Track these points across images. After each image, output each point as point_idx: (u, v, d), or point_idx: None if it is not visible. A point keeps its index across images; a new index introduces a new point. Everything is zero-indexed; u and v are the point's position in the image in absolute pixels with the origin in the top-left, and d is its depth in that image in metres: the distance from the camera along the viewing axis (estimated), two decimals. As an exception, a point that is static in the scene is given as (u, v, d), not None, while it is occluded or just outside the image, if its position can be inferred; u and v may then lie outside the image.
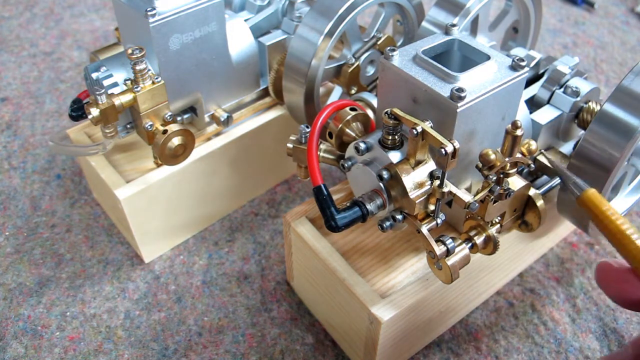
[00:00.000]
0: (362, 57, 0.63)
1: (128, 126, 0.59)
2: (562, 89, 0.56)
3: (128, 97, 0.54)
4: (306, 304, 0.62)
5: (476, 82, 0.44)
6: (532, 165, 0.45)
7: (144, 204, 0.61)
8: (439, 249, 0.44)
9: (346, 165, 0.48)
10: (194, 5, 0.55)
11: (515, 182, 0.47)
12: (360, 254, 0.53)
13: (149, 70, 0.54)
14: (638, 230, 0.33)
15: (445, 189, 0.43)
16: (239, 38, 0.63)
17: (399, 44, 0.70)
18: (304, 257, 0.56)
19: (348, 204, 0.45)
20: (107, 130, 0.56)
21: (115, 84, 0.55)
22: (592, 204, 0.35)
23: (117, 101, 0.53)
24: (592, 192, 0.35)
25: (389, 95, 0.48)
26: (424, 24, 0.60)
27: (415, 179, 0.43)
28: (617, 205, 0.58)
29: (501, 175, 0.44)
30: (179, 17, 0.55)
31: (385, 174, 0.44)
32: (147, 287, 0.64)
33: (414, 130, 0.41)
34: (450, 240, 0.45)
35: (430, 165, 0.44)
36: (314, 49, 0.58)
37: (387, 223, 0.45)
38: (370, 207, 0.44)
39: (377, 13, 0.66)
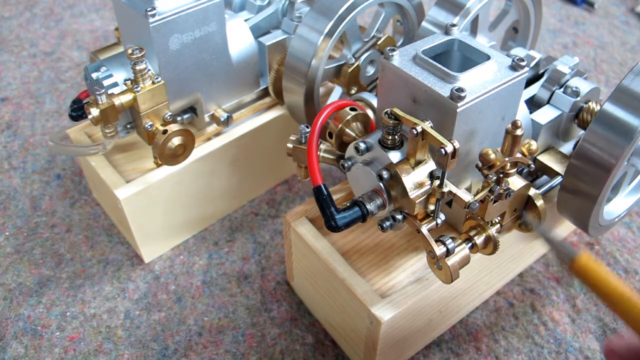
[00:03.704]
0: (362, 57, 0.63)
1: (128, 126, 0.59)
2: (562, 89, 0.56)
3: (128, 97, 0.54)
4: (306, 304, 0.62)
5: (476, 82, 0.44)
6: (532, 165, 0.45)
7: (144, 204, 0.61)
8: (439, 249, 0.44)
9: (346, 165, 0.48)
10: (194, 5, 0.55)
11: (515, 182, 0.47)
12: (360, 254, 0.53)
13: (149, 70, 0.54)
14: None
15: (445, 189, 0.43)
16: (239, 38, 0.63)
17: (399, 44, 0.70)
18: (304, 257, 0.56)
19: (348, 204, 0.45)
20: (107, 130, 0.56)
21: (115, 84, 0.55)
22: (589, 271, 0.31)
23: (117, 101, 0.53)
24: (585, 257, 0.32)
25: (389, 95, 0.48)
26: (424, 24, 0.60)
27: (415, 179, 0.43)
28: (617, 205, 0.58)
29: (501, 175, 0.44)
30: (179, 17, 0.55)
31: (385, 174, 0.44)
32: (147, 287, 0.64)
33: (414, 130, 0.41)
34: (450, 240, 0.45)
35: (430, 165, 0.44)
36: (314, 49, 0.58)
37: (387, 223, 0.45)
38: (370, 207, 0.44)
39: (377, 13, 0.66)
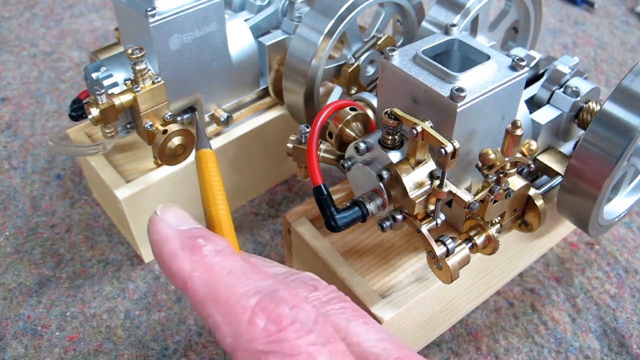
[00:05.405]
0: (362, 57, 0.63)
1: (128, 126, 0.59)
2: (562, 89, 0.56)
3: (128, 97, 0.54)
4: (306, 304, 0.62)
5: (476, 82, 0.44)
6: (532, 165, 0.45)
7: (144, 204, 0.61)
8: (439, 249, 0.44)
9: (346, 165, 0.48)
10: (194, 5, 0.55)
11: (515, 182, 0.47)
12: (360, 254, 0.53)
13: (149, 70, 0.54)
14: (226, 202, 0.34)
15: (445, 189, 0.43)
16: (239, 38, 0.63)
17: (399, 44, 0.70)
18: (304, 257, 0.56)
19: (348, 204, 0.45)
20: (107, 130, 0.56)
21: (115, 84, 0.55)
22: (200, 163, 0.36)
23: (117, 101, 0.53)
24: (206, 152, 0.36)
25: (389, 95, 0.48)
26: (424, 24, 0.60)
27: (415, 179, 0.43)
28: (617, 205, 0.58)
29: (501, 175, 0.44)
30: (179, 17, 0.55)
31: (385, 174, 0.44)
32: (147, 287, 0.64)
33: (414, 130, 0.41)
34: (450, 240, 0.45)
35: (430, 165, 0.44)
36: (314, 49, 0.58)
37: (387, 223, 0.45)
38: (370, 207, 0.44)
39: (377, 13, 0.66)
